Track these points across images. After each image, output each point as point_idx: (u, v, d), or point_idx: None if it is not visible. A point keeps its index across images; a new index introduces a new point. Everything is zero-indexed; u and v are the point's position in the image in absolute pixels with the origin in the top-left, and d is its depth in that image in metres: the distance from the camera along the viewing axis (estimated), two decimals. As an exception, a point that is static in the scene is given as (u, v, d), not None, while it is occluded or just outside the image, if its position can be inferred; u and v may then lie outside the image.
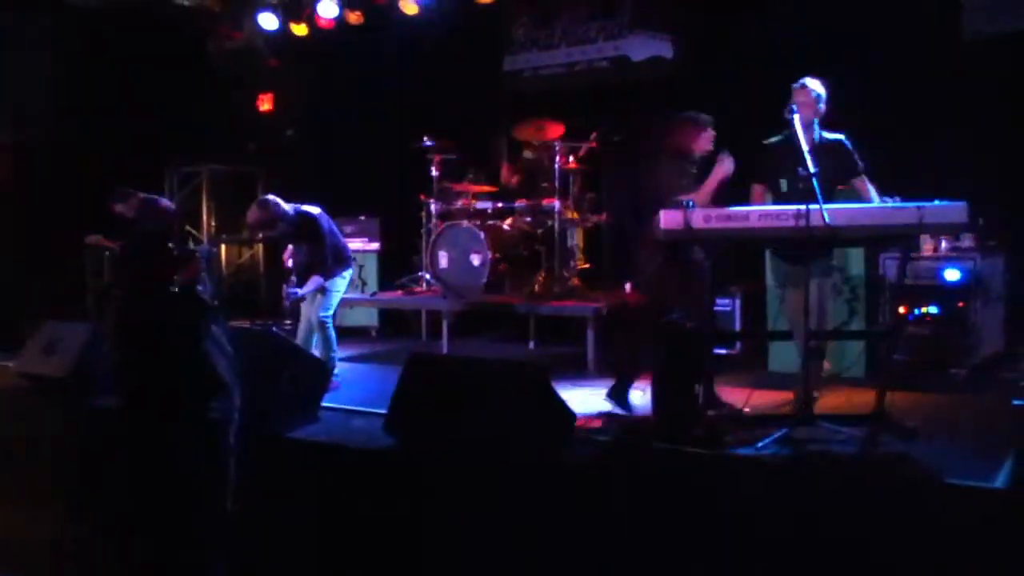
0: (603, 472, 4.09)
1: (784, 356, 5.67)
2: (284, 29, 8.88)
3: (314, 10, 8.59)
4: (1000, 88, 6.14)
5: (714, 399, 4.85)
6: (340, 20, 8.62)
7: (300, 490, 4.43)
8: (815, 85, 4.74)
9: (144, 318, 3.38)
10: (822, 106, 4.73)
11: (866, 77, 6.27)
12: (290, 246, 6.31)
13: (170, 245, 3.31)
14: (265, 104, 10.01)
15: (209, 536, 3.29)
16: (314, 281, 5.90)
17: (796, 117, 4.55)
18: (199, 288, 6.81)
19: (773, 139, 4.83)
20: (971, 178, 5.69)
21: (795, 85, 4.76)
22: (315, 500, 4.35)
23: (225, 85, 9.47)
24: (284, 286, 6.09)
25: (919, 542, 3.29)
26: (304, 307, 6.19)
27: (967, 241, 5.90)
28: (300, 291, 5.91)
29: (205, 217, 9.96)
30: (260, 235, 7.13)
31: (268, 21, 8.86)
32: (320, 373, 5.26)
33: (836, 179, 4.70)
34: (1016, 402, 4.22)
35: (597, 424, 4.87)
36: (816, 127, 4.76)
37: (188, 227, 9.75)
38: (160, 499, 3.27)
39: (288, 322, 8.48)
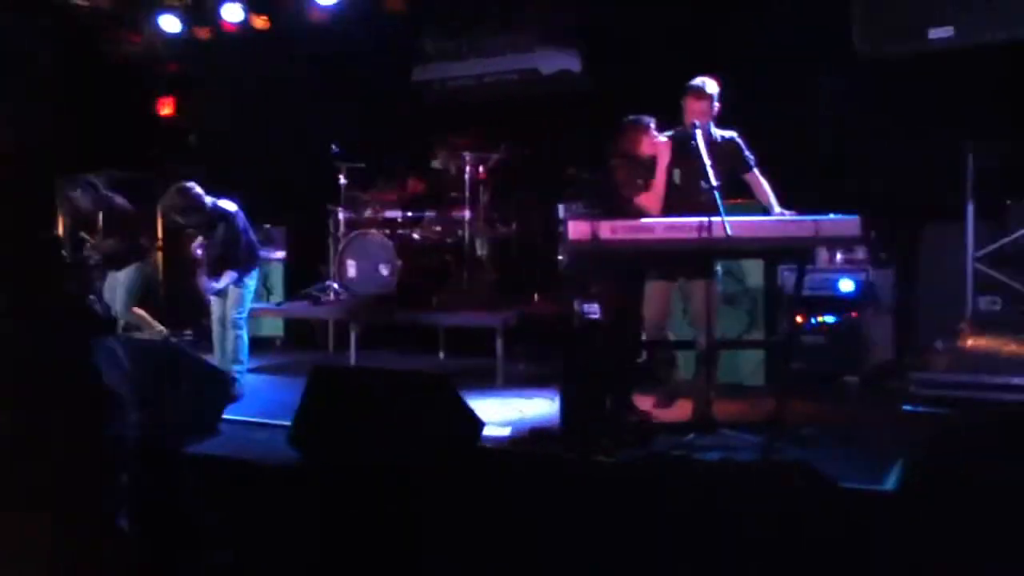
0: (510, 481, 4.09)
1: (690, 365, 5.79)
2: (186, 32, 8.65)
3: (218, 14, 8.39)
4: (892, 105, 6.43)
5: (628, 407, 4.91)
6: (245, 24, 8.44)
7: (200, 506, 4.29)
8: (710, 86, 4.88)
9: (29, 332, 3.22)
10: (716, 105, 4.88)
11: (761, 88, 6.47)
12: (200, 239, 6.25)
13: (63, 253, 3.16)
14: (166, 108, 9.73)
15: (102, 557, 3.15)
16: (229, 275, 5.87)
17: (699, 132, 4.67)
18: (90, 299, 6.60)
19: (669, 132, 5.01)
20: (863, 192, 5.94)
21: (688, 85, 4.89)
22: (215, 516, 4.22)
23: (123, 89, 9.15)
24: (201, 278, 6.06)
25: (816, 546, 3.39)
26: (216, 307, 6.14)
27: (860, 253, 6.13)
28: (218, 284, 5.82)
29: (100, 224, 9.58)
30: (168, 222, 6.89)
31: (169, 24, 8.62)
32: (221, 385, 5.14)
33: (731, 176, 4.86)
34: (905, 408, 4.42)
35: (505, 433, 4.88)
36: (711, 126, 4.90)
37: (83, 233, 9.37)
38: (52, 520, 3.11)
39: (188, 332, 8.26)
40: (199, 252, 6.24)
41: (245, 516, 4.16)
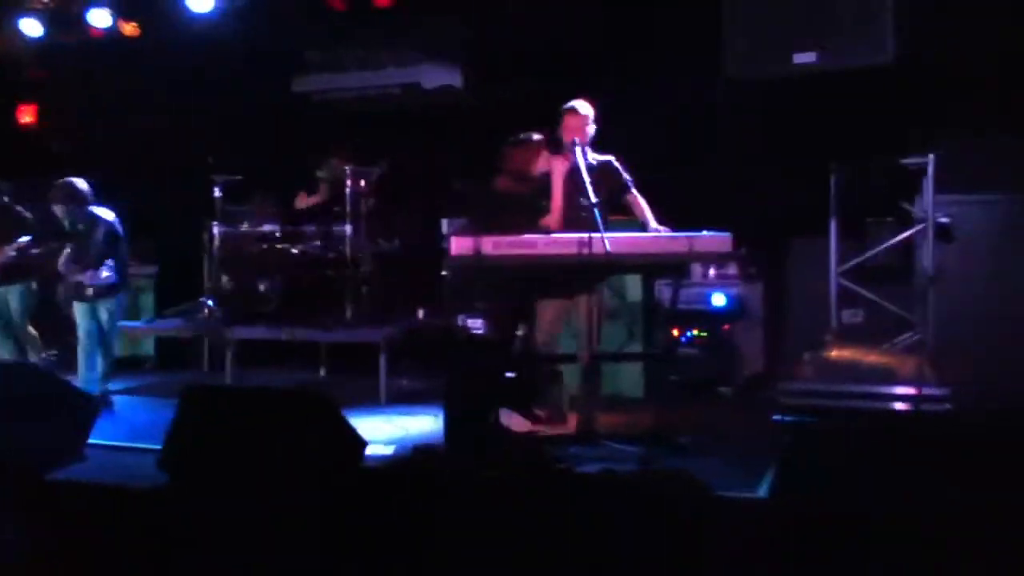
0: (394, 499, 4.03)
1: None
2: (50, 37, 8.23)
3: (84, 18, 8.02)
4: (759, 126, 6.71)
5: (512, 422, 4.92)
6: (113, 30, 8.09)
7: (63, 535, 4.06)
8: (584, 108, 4.96)
9: None
10: (591, 127, 4.95)
11: (637, 108, 6.65)
12: (66, 252, 6.03)
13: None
14: (27, 116, 9.22)
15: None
16: (109, 267, 5.76)
17: (578, 149, 4.75)
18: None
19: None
20: (733, 210, 6.16)
21: (565, 107, 4.96)
22: (79, 545, 4.00)
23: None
24: (77, 275, 5.89)
25: (693, 552, 3.48)
26: (82, 321, 5.95)
27: (731, 269, 6.36)
28: (102, 275, 5.79)
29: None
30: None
31: (31, 28, 8.18)
32: (86, 407, 4.88)
33: (610, 197, 4.92)
34: (775, 418, 4.59)
35: (388, 452, 4.82)
36: (586, 149, 4.95)
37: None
38: None
39: (54, 352, 7.82)
40: (63, 268, 6.05)
41: (111, 540, 3.96)
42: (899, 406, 4.72)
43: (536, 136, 5.21)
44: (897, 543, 3.22)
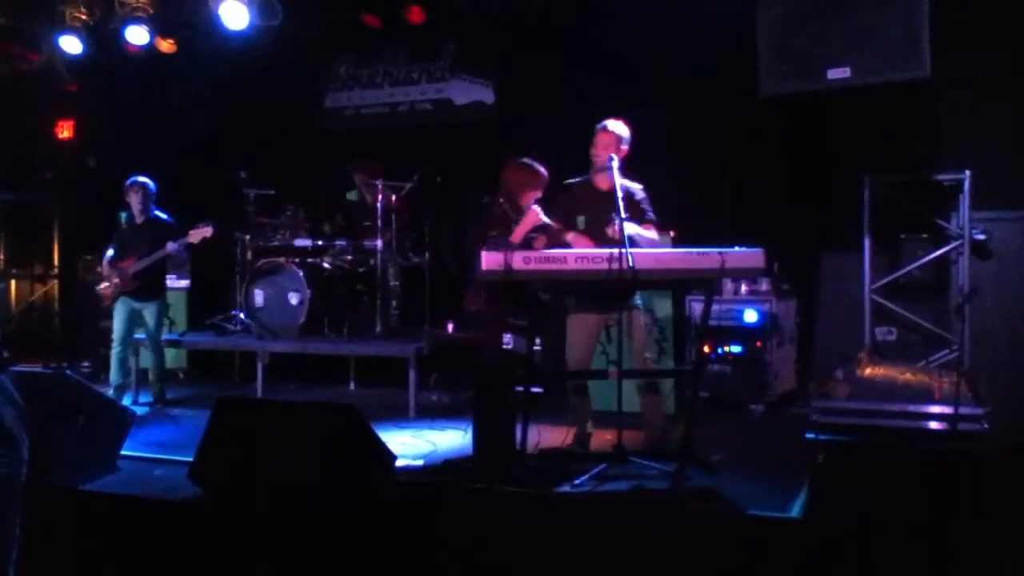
0: (423, 514, 4.03)
1: (602, 394, 5.82)
2: (88, 53, 8.38)
3: (122, 36, 8.16)
4: (793, 141, 6.67)
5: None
6: (150, 47, 8.22)
7: (95, 547, 4.09)
8: (617, 127, 4.95)
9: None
10: (624, 147, 4.94)
11: (671, 124, 6.63)
12: (105, 283, 6.69)
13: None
14: (65, 131, 9.39)
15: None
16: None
17: (615, 163, 4.74)
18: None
19: (574, 180, 5.04)
20: (766, 225, 6.12)
21: (598, 126, 4.95)
22: (112, 556, 4.04)
23: (18, 110, 8.81)
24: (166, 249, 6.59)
25: (724, 572, 3.45)
26: (119, 326, 6.54)
27: (764, 285, 6.31)
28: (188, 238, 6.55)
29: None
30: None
31: (71, 45, 8.33)
32: (119, 418, 4.92)
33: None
34: (808, 436, 4.53)
35: (418, 465, 4.82)
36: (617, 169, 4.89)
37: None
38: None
39: (86, 364, 7.92)
40: (103, 288, 6.73)
41: (143, 552, 3.99)
42: (935, 425, 4.64)
43: (539, 168, 5.17)
44: (930, 565, 3.17)
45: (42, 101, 9.06)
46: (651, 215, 5.00)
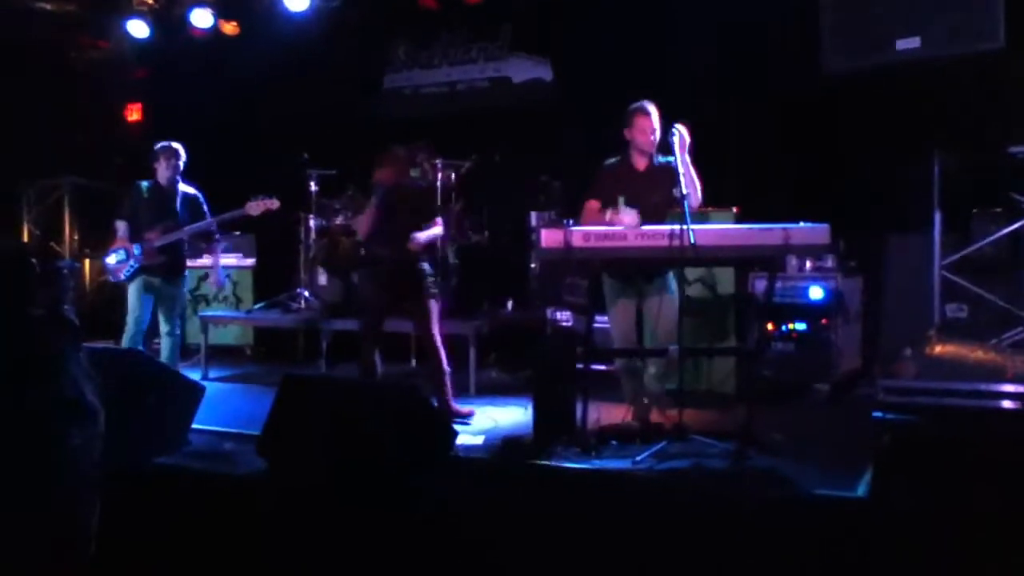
0: (484, 490, 4.08)
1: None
2: (154, 38, 8.56)
3: (187, 19, 8.32)
4: (861, 115, 6.51)
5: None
6: (214, 30, 8.37)
7: (167, 520, 4.22)
8: (654, 110, 4.84)
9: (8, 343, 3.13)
10: (658, 128, 4.84)
11: (733, 104, 6.53)
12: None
13: (33, 261, 3.06)
14: (133, 115, 9.62)
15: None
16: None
17: (676, 138, 4.67)
18: (65, 308, 6.48)
19: (612, 160, 4.98)
20: (833, 200, 6.00)
21: (635, 107, 4.85)
22: (184, 529, 4.16)
23: (89, 95, 9.05)
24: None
25: (788, 552, 3.41)
26: (138, 302, 6.08)
27: (829, 261, 6.19)
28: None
29: (67, 232, 9.49)
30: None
31: (137, 29, 8.52)
32: (191, 394, 5.05)
33: (665, 201, 4.81)
34: (875, 415, 4.45)
35: (479, 442, 4.86)
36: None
37: (51, 242, 9.27)
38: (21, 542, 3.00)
39: (157, 340, 8.14)
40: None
41: (213, 526, 4.11)
42: (1007, 404, 4.52)
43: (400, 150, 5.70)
44: (1002, 545, 3.10)
45: (111, 87, 9.29)
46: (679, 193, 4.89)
